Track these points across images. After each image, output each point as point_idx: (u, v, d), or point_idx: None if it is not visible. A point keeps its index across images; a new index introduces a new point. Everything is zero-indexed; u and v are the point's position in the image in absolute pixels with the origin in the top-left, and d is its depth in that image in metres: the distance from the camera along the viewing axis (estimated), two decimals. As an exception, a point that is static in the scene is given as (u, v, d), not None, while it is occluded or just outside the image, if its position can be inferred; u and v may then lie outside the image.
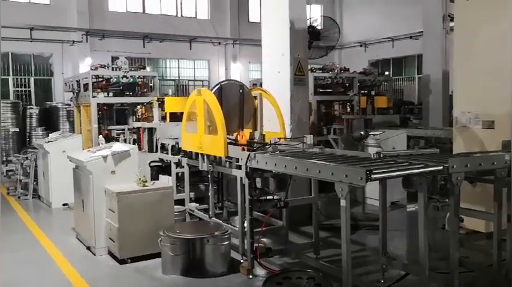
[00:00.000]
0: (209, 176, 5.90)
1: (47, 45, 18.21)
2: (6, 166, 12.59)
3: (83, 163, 5.54)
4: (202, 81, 22.19)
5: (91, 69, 9.94)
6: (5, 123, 13.18)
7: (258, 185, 4.64)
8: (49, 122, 14.11)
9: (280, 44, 6.75)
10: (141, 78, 9.91)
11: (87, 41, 18.77)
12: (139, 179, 5.52)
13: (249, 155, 4.65)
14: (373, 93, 10.93)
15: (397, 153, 4.23)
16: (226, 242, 4.92)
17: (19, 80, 18.09)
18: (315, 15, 9.04)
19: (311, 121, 9.38)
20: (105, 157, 5.58)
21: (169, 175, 6.79)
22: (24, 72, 18.17)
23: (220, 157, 5.70)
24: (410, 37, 20.73)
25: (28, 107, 14.19)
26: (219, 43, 21.87)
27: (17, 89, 18.05)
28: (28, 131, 13.86)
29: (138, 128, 7.63)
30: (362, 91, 11.55)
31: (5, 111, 13.19)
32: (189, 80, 22.03)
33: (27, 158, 9.21)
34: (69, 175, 8.24)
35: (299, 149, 4.99)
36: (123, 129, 10.12)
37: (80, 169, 5.95)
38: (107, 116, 9.88)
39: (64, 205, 8.34)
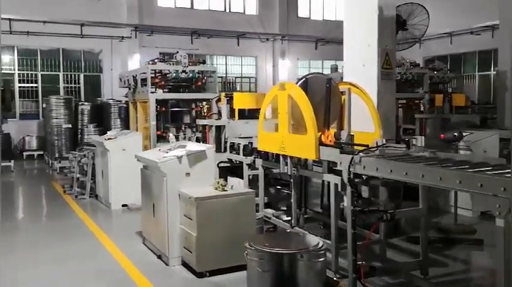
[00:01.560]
0: (291, 180, 5.30)
1: (97, 41, 18.10)
2: (59, 162, 12.45)
3: (156, 164, 5.04)
4: (249, 78, 21.70)
5: (149, 63, 9.53)
6: (58, 119, 13.02)
7: (365, 194, 4.00)
8: (100, 118, 13.90)
9: (366, 33, 6.08)
10: (199, 73, 9.43)
11: (136, 37, 18.57)
12: (218, 182, 4.98)
13: (353, 158, 4.02)
14: (450, 90, 10.07)
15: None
16: (322, 259, 4.30)
17: (69, 76, 18.06)
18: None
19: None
20: (179, 158, 5.07)
21: (239, 176, 6.25)
22: (74, 68, 18.12)
23: (305, 160, 5.10)
24: (471, 32, 19.60)
25: (80, 103, 14.00)
26: (267, 39, 21.30)
27: (67, 85, 18.02)
28: (80, 127, 13.69)
29: (204, 126, 7.11)
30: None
31: (58, 107, 13.05)
32: (236, 77, 21.58)
33: (84, 155, 8.88)
34: (129, 175, 7.91)
35: (404, 153, 4.32)
36: (180, 127, 9.72)
37: (151, 169, 5.46)
38: (164, 113, 9.44)
39: (123, 205, 7.95)
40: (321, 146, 4.68)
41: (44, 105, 14.19)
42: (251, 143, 6.12)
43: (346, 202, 4.22)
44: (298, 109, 4.96)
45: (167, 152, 5.30)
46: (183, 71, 9.08)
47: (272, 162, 5.77)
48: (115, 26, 18.20)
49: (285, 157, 5.23)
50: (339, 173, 4.62)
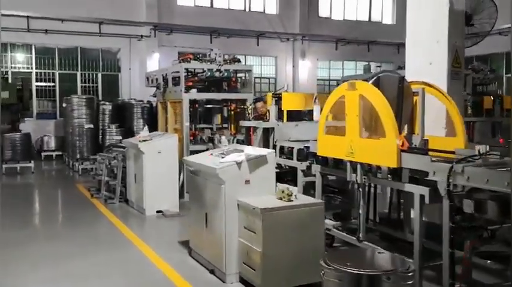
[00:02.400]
0: (359, 189, 4.80)
1: (115, 40, 17.69)
2: (82, 164, 12.01)
3: (214, 170, 4.56)
4: (268, 78, 21.21)
5: (181, 61, 9.06)
6: (79, 119, 12.59)
7: (469, 208, 3.50)
8: (121, 119, 13.46)
9: (434, 29, 5.58)
10: (233, 72, 8.95)
11: (155, 36, 18.14)
12: (282, 191, 4.49)
13: (452, 168, 3.53)
14: (500, 92, 9.54)
15: None
16: (410, 282, 3.80)
17: (86, 75, 17.65)
18: None
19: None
20: (239, 163, 4.58)
21: (289, 183, 5.76)
22: (92, 67, 17.72)
23: (379, 167, 4.61)
24: (499, 33, 19.01)
25: (101, 103, 13.56)
26: (288, 39, 20.80)
27: (84, 84, 17.62)
28: (101, 127, 13.24)
29: (248, 127, 6.62)
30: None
31: (80, 107, 12.62)
32: (255, 77, 21.08)
33: (114, 157, 8.41)
34: (164, 179, 7.48)
35: (500, 161, 3.82)
36: (211, 128, 9.26)
37: (203, 175, 4.98)
38: (194, 114, 8.96)
39: (158, 212, 7.47)
40: (402, 153, 4.19)
41: (64, 105, 13.75)
42: (307, 147, 5.63)
43: (440, 216, 3.73)
44: (372, 111, 4.48)
45: (223, 157, 4.82)
46: (218, 70, 8.60)
47: (333, 168, 5.29)
48: (134, 25, 17.78)
49: (353, 163, 4.75)
50: (421, 182, 4.14)
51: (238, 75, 9.29)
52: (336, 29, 21.61)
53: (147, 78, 10.73)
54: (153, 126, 12.88)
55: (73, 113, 12.65)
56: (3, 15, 15.06)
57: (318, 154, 5.26)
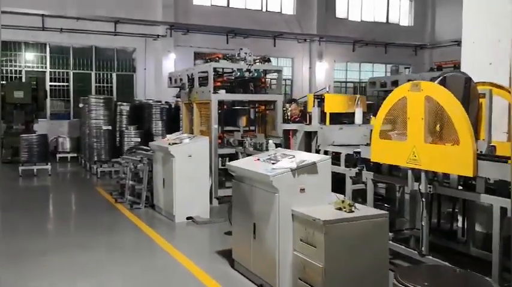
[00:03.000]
0: (423, 199, 4.42)
1: (131, 39, 17.41)
2: (100, 166, 11.67)
3: (267, 178, 4.19)
4: (285, 80, 20.82)
5: (207, 60, 8.71)
6: (97, 120, 12.26)
7: None
8: (139, 120, 13.14)
9: (496, 27, 5.19)
10: (263, 72, 8.60)
11: (171, 36, 17.82)
12: (342, 201, 4.12)
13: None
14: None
15: None
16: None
17: (101, 75, 17.35)
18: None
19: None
20: (294, 170, 4.21)
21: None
22: (106, 67, 17.42)
23: (446, 175, 4.23)
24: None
25: (118, 103, 13.23)
26: (305, 40, 20.45)
27: (99, 84, 17.32)
28: (118, 129, 12.92)
29: (287, 131, 6.25)
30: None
31: (98, 108, 12.28)
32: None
33: (140, 161, 8.06)
34: (195, 184, 7.13)
35: None
36: (237, 130, 8.90)
37: (251, 183, 4.61)
38: (221, 116, 8.60)
39: (188, 218, 7.12)
40: (479, 160, 3.81)
41: (81, 105, 13.43)
42: (357, 152, 5.26)
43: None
44: (440, 113, 4.10)
45: (273, 163, 4.46)
46: (248, 70, 8.25)
47: (387, 175, 4.92)
48: (150, 24, 17.49)
49: (415, 170, 4.37)
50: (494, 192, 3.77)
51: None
52: (353, 30, 21.25)
53: (170, 79, 10.39)
54: (172, 128, 12.67)
55: (90, 114, 12.32)
56: (17, 13, 14.81)
57: (371, 159, 4.89)
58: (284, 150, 5.04)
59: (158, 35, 17.59)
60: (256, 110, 9.14)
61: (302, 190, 4.27)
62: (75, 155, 14.59)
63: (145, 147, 9.47)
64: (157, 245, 6.00)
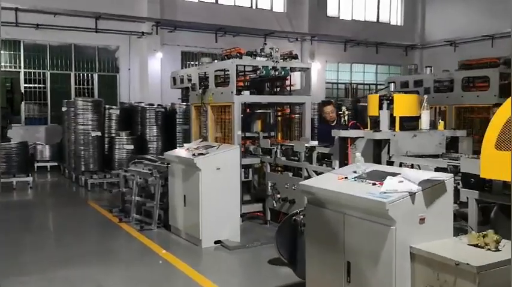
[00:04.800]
0: None
1: (114, 37, 16.05)
2: (91, 178, 10.35)
3: (382, 205, 3.12)
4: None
5: (224, 58, 7.61)
6: (84, 126, 10.92)
7: None
8: (131, 125, 11.87)
9: None
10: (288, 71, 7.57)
11: (157, 33, 16.54)
12: (483, 235, 3.10)
13: None
14: None
15: None
16: None
17: (81, 76, 15.90)
18: None
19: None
20: (413, 195, 3.18)
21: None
22: (87, 67, 15.97)
23: None
24: (519, 35, 18.19)
25: (107, 107, 11.91)
26: (296, 39, 19.49)
27: (79, 86, 15.86)
28: (107, 135, 11.61)
29: (345, 139, 5.19)
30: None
31: (86, 112, 10.93)
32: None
33: (151, 173, 6.85)
34: (224, 202, 6.01)
35: None
36: (256, 137, 7.82)
37: (341, 208, 3.53)
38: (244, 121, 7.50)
39: (216, 242, 5.98)
40: None
41: (64, 109, 12.03)
42: (454, 166, 4.26)
43: None
44: None
45: (374, 184, 3.40)
46: (274, 68, 7.18)
47: (497, 195, 3.95)
48: (134, 20, 16.16)
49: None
50: None
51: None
52: (345, 29, 20.46)
53: (173, 78, 9.20)
54: (169, 133, 11.46)
55: (77, 119, 10.96)
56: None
57: (481, 175, 3.89)
58: (371, 165, 3.98)
59: (143, 32, 16.28)
60: (276, 113, 8.08)
61: (422, 220, 3.24)
62: (56, 164, 13.14)
63: (148, 157, 8.29)
64: (190, 278, 4.85)
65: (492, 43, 19.46)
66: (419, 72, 10.98)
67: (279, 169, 6.99)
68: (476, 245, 3.11)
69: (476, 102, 8.39)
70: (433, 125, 5.38)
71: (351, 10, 21.12)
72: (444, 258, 2.96)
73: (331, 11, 20.66)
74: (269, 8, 19.17)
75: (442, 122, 5.42)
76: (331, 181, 3.76)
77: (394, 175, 3.49)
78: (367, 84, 22.06)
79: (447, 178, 3.36)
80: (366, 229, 3.34)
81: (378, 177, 3.54)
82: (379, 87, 21.67)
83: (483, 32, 19.16)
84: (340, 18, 20.91)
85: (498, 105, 7.80)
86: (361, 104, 14.32)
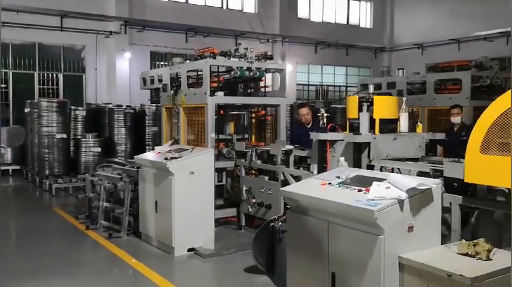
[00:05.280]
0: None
1: (80, 35, 15.54)
2: (56, 182, 9.91)
3: (370, 213, 2.96)
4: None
5: (198, 58, 7.37)
6: (49, 128, 10.45)
7: None
8: (97, 126, 11.46)
9: None
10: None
11: (125, 33, 16.10)
12: (473, 244, 2.99)
13: None
14: None
15: None
16: None
17: (46, 75, 15.30)
18: None
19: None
20: (400, 202, 3.04)
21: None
22: (52, 67, 15.39)
23: None
24: (485, 38, 18.61)
25: (73, 108, 11.45)
26: (268, 40, 19.35)
27: (43, 86, 15.26)
28: (73, 137, 11.16)
29: (323, 142, 5.04)
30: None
31: (50, 113, 10.47)
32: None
33: (121, 178, 6.54)
34: (197, 208, 5.78)
35: None
36: (229, 139, 7.62)
37: (328, 217, 3.37)
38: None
39: (190, 250, 5.74)
40: None
41: (27, 110, 11.51)
42: (437, 170, 4.16)
43: None
44: None
45: (360, 190, 3.25)
46: (248, 69, 6.98)
47: (481, 200, 3.87)
48: (101, 19, 15.68)
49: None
50: None
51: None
52: (315, 31, 20.46)
53: (143, 79, 8.88)
54: (138, 136, 11.13)
55: (41, 120, 10.47)
56: None
57: (465, 179, 3.80)
58: (354, 170, 3.83)
59: (111, 32, 15.81)
60: (252, 115, 7.89)
61: (410, 228, 3.10)
62: (19, 167, 12.56)
63: (117, 160, 7.97)
64: (168, 292, 4.61)
65: (459, 47, 19.84)
66: (392, 75, 11.00)
67: (254, 172, 6.79)
68: (467, 254, 3.00)
69: (448, 104, 8.41)
70: (412, 128, 5.29)
71: (321, 12, 21.16)
72: (436, 269, 2.83)
73: (302, 12, 20.65)
74: (240, 9, 18.98)
75: (420, 125, 5.34)
76: (314, 187, 3.60)
77: (379, 180, 3.35)
78: (337, 86, 22.14)
79: (435, 184, 3.23)
80: (352, 238, 3.19)
81: (363, 183, 3.40)
82: (349, 89, 21.83)
83: (450, 35, 19.51)
84: (311, 20, 20.92)
85: (456, 106, 7.85)
86: (333, 105, 14.31)
